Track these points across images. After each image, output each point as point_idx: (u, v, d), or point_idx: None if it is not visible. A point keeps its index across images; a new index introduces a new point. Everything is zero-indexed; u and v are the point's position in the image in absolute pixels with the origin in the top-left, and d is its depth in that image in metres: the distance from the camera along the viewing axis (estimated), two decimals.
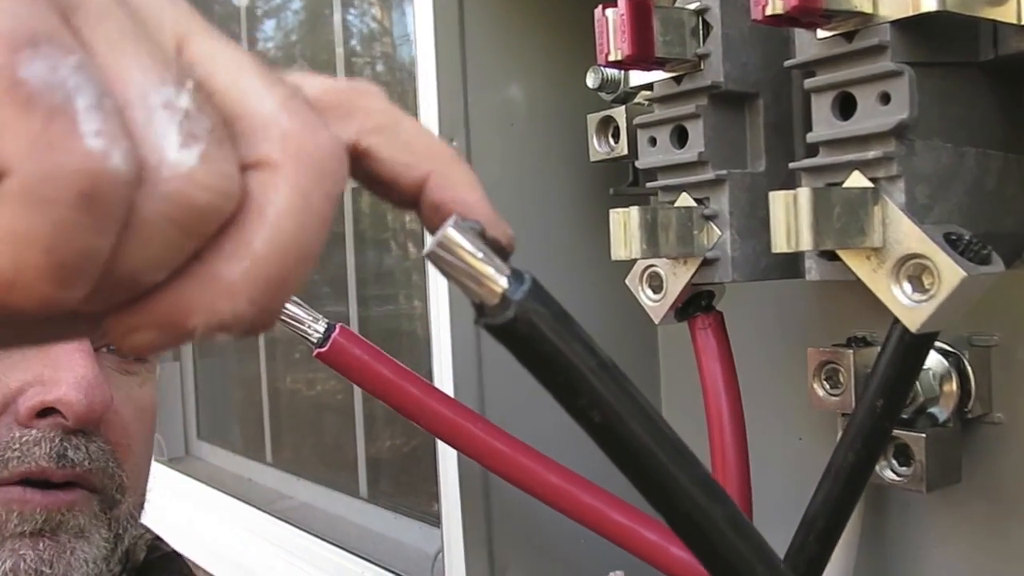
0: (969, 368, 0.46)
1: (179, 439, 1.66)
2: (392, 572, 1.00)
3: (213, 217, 0.17)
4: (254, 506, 1.31)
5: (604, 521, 0.50)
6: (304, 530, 1.17)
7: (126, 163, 0.15)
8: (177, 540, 1.50)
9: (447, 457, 0.59)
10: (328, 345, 0.48)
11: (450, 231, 0.27)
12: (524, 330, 0.28)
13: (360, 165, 0.23)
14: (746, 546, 0.32)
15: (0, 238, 0.15)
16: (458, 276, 0.28)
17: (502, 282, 0.28)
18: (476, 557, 0.58)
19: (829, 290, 0.54)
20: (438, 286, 0.61)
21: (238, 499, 1.36)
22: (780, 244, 0.37)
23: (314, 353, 0.49)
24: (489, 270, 0.28)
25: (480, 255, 0.28)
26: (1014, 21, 0.37)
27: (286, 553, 1.19)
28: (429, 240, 0.28)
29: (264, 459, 1.47)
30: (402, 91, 1.14)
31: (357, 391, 1.20)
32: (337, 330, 0.48)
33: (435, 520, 1.05)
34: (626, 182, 0.59)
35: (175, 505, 1.51)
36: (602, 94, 0.55)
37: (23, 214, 0.15)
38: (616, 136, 0.55)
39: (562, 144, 0.61)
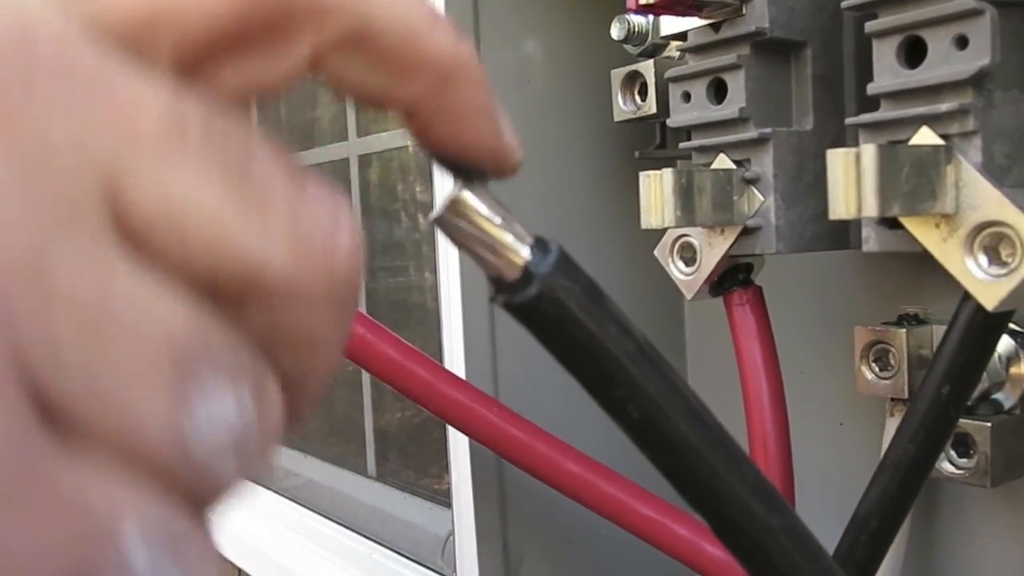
0: None
1: None
2: (401, 554, 0.96)
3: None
4: (260, 484, 1.28)
5: (629, 514, 0.46)
6: (311, 509, 1.15)
7: None
8: None
9: (457, 439, 0.55)
10: None
11: (463, 193, 0.23)
12: (550, 310, 0.24)
13: (331, 82, 0.18)
14: (807, 562, 0.27)
15: None
16: (471, 245, 0.23)
17: (523, 252, 0.23)
18: (489, 545, 0.54)
19: (877, 262, 0.49)
20: (448, 257, 0.56)
21: None
22: (839, 210, 0.33)
23: None
24: (508, 238, 0.23)
25: (498, 220, 0.23)
26: None
27: (292, 532, 1.17)
28: (438, 203, 0.23)
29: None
30: None
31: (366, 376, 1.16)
32: None
33: (445, 500, 1.02)
34: (653, 144, 0.54)
35: None
36: (628, 46, 0.50)
37: None
38: (643, 93, 0.50)
39: (583, 103, 0.56)
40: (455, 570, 0.65)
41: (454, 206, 0.23)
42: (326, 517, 1.10)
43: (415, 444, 1.20)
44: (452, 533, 0.75)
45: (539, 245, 0.24)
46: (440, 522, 1.00)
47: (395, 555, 0.96)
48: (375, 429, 1.21)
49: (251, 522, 1.26)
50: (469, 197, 0.23)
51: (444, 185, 0.56)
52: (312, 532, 1.11)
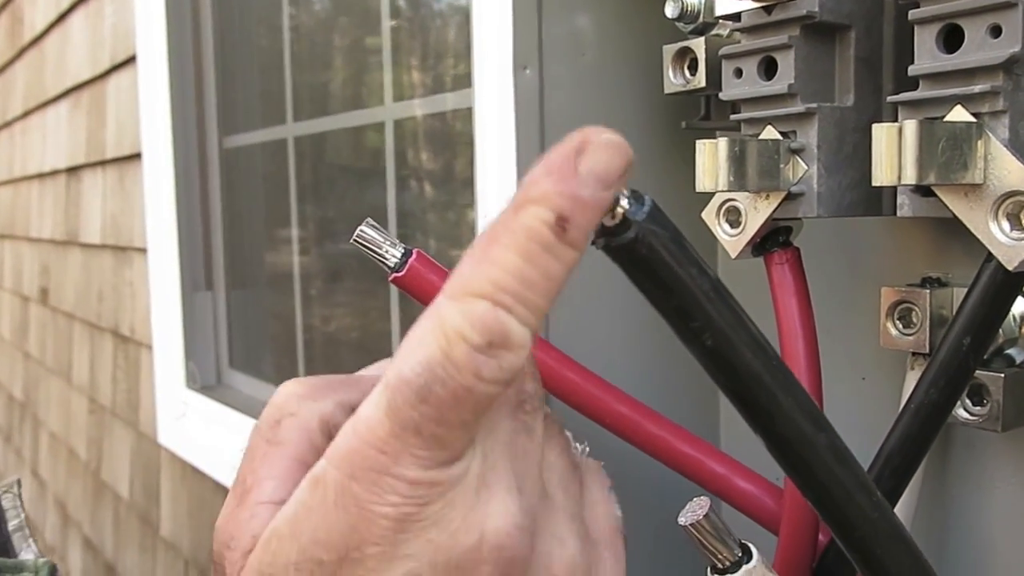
0: None
1: (211, 368, 1.67)
2: None
3: None
4: None
5: (671, 452, 0.50)
6: None
7: None
8: (212, 463, 1.53)
9: None
10: (405, 270, 0.48)
11: None
12: (643, 251, 0.28)
13: None
14: (846, 474, 0.32)
15: None
16: None
17: (623, 202, 0.28)
18: None
19: (903, 229, 0.53)
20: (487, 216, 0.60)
21: None
22: (881, 177, 0.37)
23: (390, 278, 0.49)
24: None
25: None
26: None
27: None
28: None
29: None
30: (445, 23, 1.13)
31: (395, 320, 1.20)
32: (414, 255, 0.48)
33: None
34: (698, 116, 0.58)
35: (210, 430, 1.54)
36: (680, 24, 0.54)
37: None
38: (693, 68, 0.54)
39: (633, 76, 0.61)
40: None
41: None
42: None
43: None
44: None
45: (635, 197, 0.28)
46: None
47: None
48: None
49: None
50: None
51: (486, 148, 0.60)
52: None
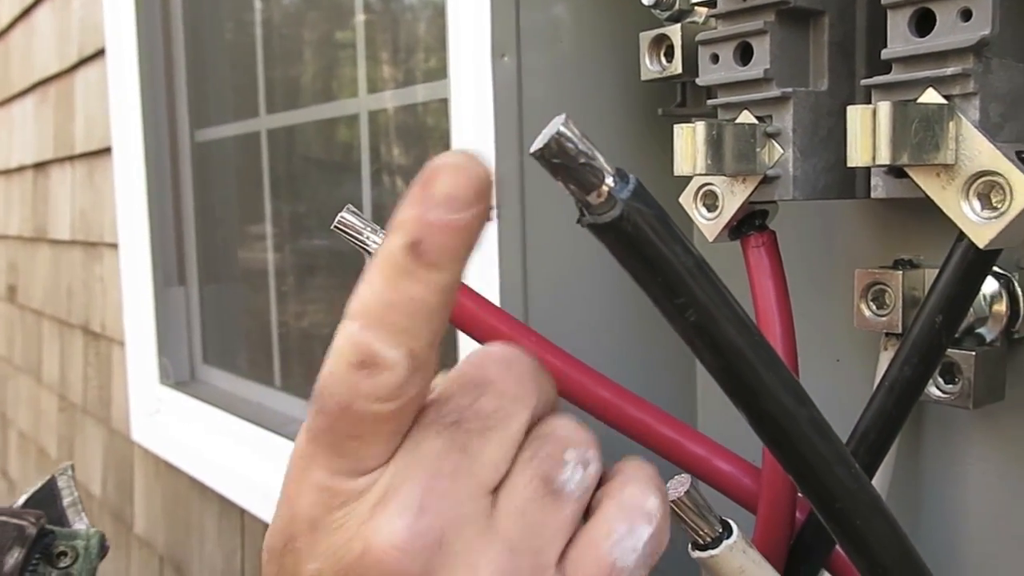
0: (1019, 290, 0.47)
1: (185, 363, 1.66)
2: None
3: None
4: (266, 428, 1.33)
5: (652, 434, 0.51)
6: None
7: None
8: (187, 459, 1.52)
9: None
10: None
11: (562, 128, 0.28)
12: (628, 229, 0.29)
13: None
14: (826, 447, 0.33)
15: None
16: (567, 174, 0.28)
17: (608, 181, 0.28)
18: None
19: (876, 212, 0.54)
20: None
21: (248, 421, 1.38)
22: (856, 158, 0.38)
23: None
24: (598, 168, 0.28)
25: (590, 153, 0.28)
26: None
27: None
28: (539, 137, 0.28)
29: (273, 383, 1.48)
30: (422, 11, 1.13)
31: None
32: None
33: None
34: (674, 102, 0.59)
35: (184, 426, 1.53)
36: (656, 11, 0.55)
37: None
38: (669, 55, 0.55)
39: (609, 63, 0.61)
40: None
41: (556, 140, 0.28)
42: None
43: None
44: None
45: (620, 175, 0.29)
46: None
47: None
48: None
49: (259, 464, 1.30)
50: (568, 132, 0.28)
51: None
52: None
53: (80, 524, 0.42)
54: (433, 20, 1.09)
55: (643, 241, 0.29)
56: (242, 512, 1.37)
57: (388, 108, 1.14)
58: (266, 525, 1.17)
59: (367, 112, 1.16)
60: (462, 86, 0.61)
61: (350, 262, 1.25)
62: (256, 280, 1.53)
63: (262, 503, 1.26)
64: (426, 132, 1.09)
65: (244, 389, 1.54)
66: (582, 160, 0.28)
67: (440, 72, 1.04)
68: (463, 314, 0.51)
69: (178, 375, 1.64)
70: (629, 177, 0.29)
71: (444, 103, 0.78)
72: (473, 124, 0.60)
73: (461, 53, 0.61)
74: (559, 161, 0.28)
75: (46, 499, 0.43)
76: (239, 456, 1.36)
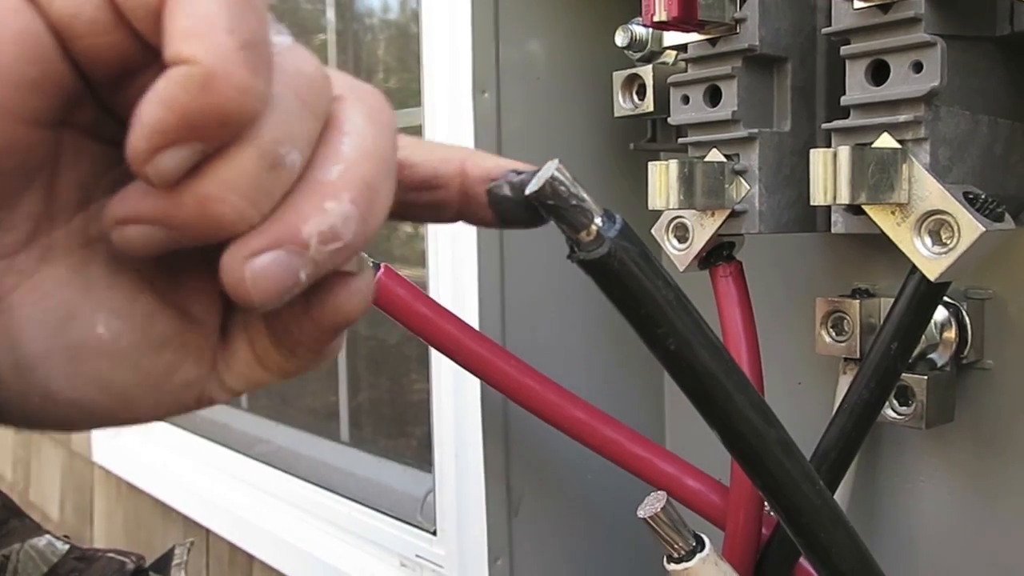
0: (967, 319, 0.50)
1: None
2: (380, 511, 1.02)
3: (321, 99, 0.21)
4: (232, 449, 1.33)
5: (625, 454, 0.54)
6: (287, 472, 1.19)
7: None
8: (150, 480, 1.50)
9: (472, 392, 0.62)
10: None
11: (556, 172, 0.30)
12: (615, 265, 0.31)
13: (399, 177, 0.26)
14: (793, 465, 0.35)
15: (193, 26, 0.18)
16: (562, 213, 0.31)
17: (597, 220, 0.31)
18: (495, 482, 0.61)
19: (834, 245, 0.58)
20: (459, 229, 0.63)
21: (215, 442, 1.38)
22: (819, 197, 0.41)
23: None
24: (588, 209, 0.31)
25: (582, 194, 0.31)
26: None
27: (267, 496, 1.21)
28: (534, 181, 0.31)
29: (239, 404, 1.49)
30: (399, 38, 1.15)
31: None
32: (382, 269, 0.51)
33: (418, 463, 1.08)
34: (645, 138, 0.62)
35: (147, 447, 1.52)
36: (628, 52, 0.58)
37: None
38: (641, 93, 0.58)
39: (583, 99, 0.64)
40: (437, 524, 0.72)
41: (550, 184, 0.30)
42: (304, 480, 1.15)
43: (386, 416, 1.26)
44: (432, 491, 0.82)
45: (607, 215, 0.31)
46: (417, 483, 1.06)
47: (375, 512, 1.02)
48: (349, 404, 1.27)
49: (227, 487, 1.30)
50: (561, 177, 0.30)
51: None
52: (290, 494, 1.16)
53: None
54: (394, 41, 1.12)
55: (628, 276, 0.31)
56: (207, 532, 1.37)
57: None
58: (231, 545, 1.17)
59: None
60: (437, 118, 0.63)
61: None
62: None
63: (227, 523, 1.26)
64: None
65: (209, 409, 1.53)
66: (573, 202, 0.30)
67: (408, 97, 1.06)
68: (455, 344, 0.53)
69: None
70: (616, 217, 0.31)
71: (419, 129, 0.80)
72: None
73: (436, 86, 0.63)
74: (552, 202, 0.30)
75: (163, 561, 0.45)
76: (204, 476, 1.36)
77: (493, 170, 0.28)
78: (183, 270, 0.24)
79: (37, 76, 0.20)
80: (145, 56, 0.20)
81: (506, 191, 0.30)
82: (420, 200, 0.27)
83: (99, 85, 0.21)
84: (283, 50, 0.21)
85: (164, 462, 1.47)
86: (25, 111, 0.20)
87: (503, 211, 0.29)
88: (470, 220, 0.28)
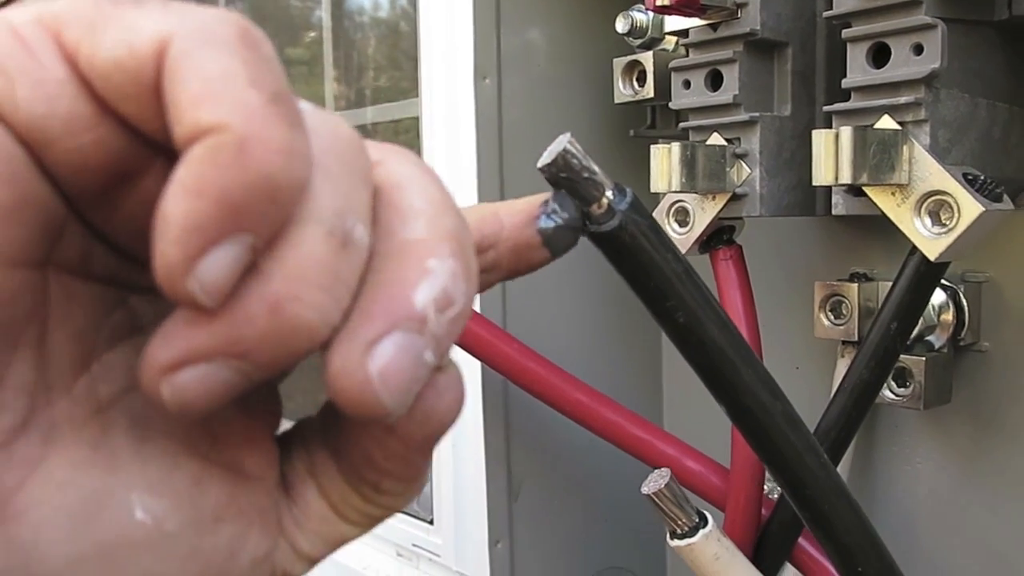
0: (965, 301, 0.51)
1: None
2: None
3: (365, 162, 0.18)
4: None
5: (626, 436, 0.54)
6: None
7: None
8: None
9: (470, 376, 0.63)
10: None
11: (568, 145, 0.31)
12: (625, 238, 0.32)
13: None
14: (798, 437, 0.36)
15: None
16: (574, 186, 0.31)
17: (608, 193, 0.31)
18: (496, 466, 0.62)
19: (833, 229, 0.58)
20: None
21: None
22: (821, 178, 0.41)
23: None
24: (599, 182, 0.31)
25: (594, 167, 0.31)
26: None
27: None
28: (546, 154, 0.31)
29: None
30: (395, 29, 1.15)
31: None
32: None
33: None
34: (645, 124, 0.62)
35: None
36: (629, 39, 0.58)
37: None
38: (641, 80, 0.58)
39: (583, 86, 0.64)
40: (434, 513, 0.72)
41: (562, 156, 0.30)
42: None
43: None
44: (429, 481, 0.82)
45: (618, 189, 0.32)
46: None
47: None
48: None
49: None
50: (573, 150, 0.31)
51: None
52: None
53: None
54: (384, 39, 1.12)
55: (639, 249, 0.32)
56: None
57: (368, 125, 1.16)
58: None
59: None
60: (435, 107, 0.64)
61: None
62: None
63: None
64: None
65: None
66: (585, 175, 0.31)
67: (405, 90, 1.06)
68: (469, 336, 0.54)
69: None
70: (626, 190, 0.32)
71: (416, 121, 0.81)
72: (446, 143, 0.62)
73: (434, 74, 0.63)
74: (565, 175, 0.31)
75: None
76: None
77: (529, 211, 0.26)
78: (221, 417, 0.19)
79: (9, 202, 0.15)
80: (141, 153, 0.16)
81: (556, 221, 0.29)
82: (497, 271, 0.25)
83: (85, 205, 0.17)
84: (309, 111, 0.17)
85: None
86: (1, 248, 0.15)
87: (556, 242, 0.27)
88: (522, 270, 0.25)
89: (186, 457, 0.18)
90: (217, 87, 0.14)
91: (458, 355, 0.61)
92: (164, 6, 0.15)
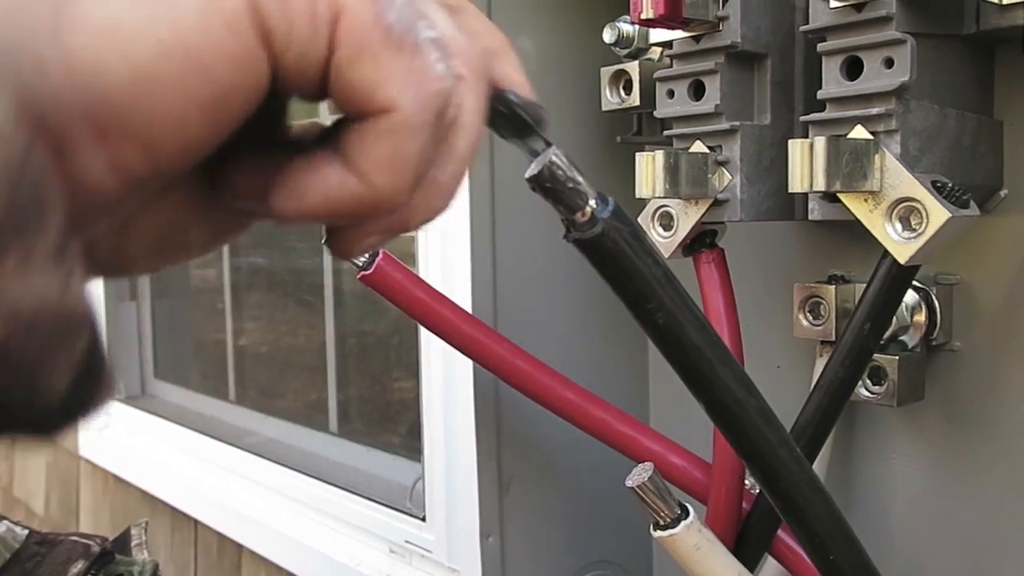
0: (936, 302, 0.53)
1: (136, 378, 1.67)
2: (369, 499, 1.04)
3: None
4: (220, 440, 1.34)
5: (612, 432, 0.56)
6: (276, 462, 1.20)
7: (451, 79, 0.20)
8: (138, 473, 1.51)
9: (464, 376, 0.64)
10: (372, 268, 0.53)
11: (554, 157, 0.33)
12: (608, 244, 0.34)
13: None
14: (772, 432, 0.38)
15: (385, 166, 0.19)
16: (559, 196, 0.33)
17: (592, 202, 0.33)
18: (487, 462, 0.64)
19: (811, 233, 0.60)
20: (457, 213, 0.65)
21: (202, 433, 1.39)
22: (796, 185, 0.43)
23: (358, 276, 0.53)
24: (583, 191, 0.33)
25: (578, 177, 0.33)
26: (995, 1, 0.44)
27: (255, 485, 1.22)
28: (533, 165, 0.33)
29: (227, 397, 1.50)
30: None
31: (329, 330, 1.24)
32: (380, 255, 0.53)
33: (406, 453, 1.10)
34: (631, 131, 0.64)
35: (135, 440, 1.54)
36: (615, 48, 0.60)
37: (404, 141, 0.19)
38: (627, 88, 0.60)
39: (571, 94, 0.66)
40: (426, 510, 0.74)
41: (548, 168, 0.32)
42: (293, 469, 1.17)
43: (375, 408, 1.28)
44: (422, 478, 0.84)
45: (601, 198, 0.34)
46: (405, 472, 1.08)
47: (365, 500, 1.04)
48: (337, 395, 1.28)
49: (216, 477, 1.32)
50: (559, 161, 0.33)
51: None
52: (279, 484, 1.18)
53: (140, 555, 0.47)
54: None
55: (620, 254, 0.34)
56: (195, 523, 1.38)
57: None
58: (220, 536, 1.18)
59: None
60: None
61: (305, 278, 1.29)
62: (211, 295, 1.54)
63: (216, 513, 1.28)
64: None
65: (197, 403, 1.55)
66: (570, 185, 0.33)
67: None
68: (451, 327, 0.56)
69: (129, 390, 1.65)
70: (609, 199, 0.34)
71: None
72: None
73: None
74: (550, 185, 0.33)
75: (120, 540, 0.47)
76: (192, 468, 1.38)
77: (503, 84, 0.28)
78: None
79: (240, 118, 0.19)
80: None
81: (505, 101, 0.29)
82: None
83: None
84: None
85: (151, 454, 1.48)
86: (230, 112, 0.19)
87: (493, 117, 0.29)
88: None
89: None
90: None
91: (451, 355, 0.63)
92: None
